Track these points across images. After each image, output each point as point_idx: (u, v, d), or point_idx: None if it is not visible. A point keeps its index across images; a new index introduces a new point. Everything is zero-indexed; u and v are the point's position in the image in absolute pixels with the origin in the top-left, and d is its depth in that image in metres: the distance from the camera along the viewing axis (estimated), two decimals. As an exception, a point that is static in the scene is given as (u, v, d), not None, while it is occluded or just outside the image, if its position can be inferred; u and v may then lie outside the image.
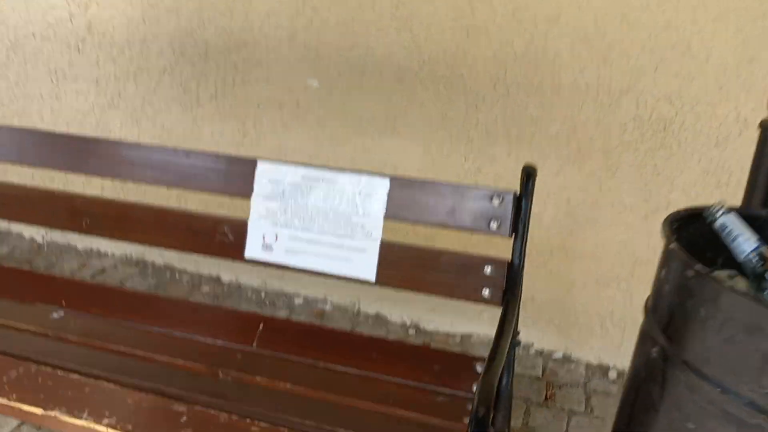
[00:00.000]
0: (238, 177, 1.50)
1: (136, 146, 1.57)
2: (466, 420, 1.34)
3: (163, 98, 2.34)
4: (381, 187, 1.42)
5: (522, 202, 1.37)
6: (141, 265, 2.71)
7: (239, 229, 1.50)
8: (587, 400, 2.07)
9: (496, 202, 1.38)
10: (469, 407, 1.38)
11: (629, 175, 1.92)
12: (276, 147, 2.25)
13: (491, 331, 1.29)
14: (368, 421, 1.34)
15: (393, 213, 1.41)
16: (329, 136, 2.18)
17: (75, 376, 1.35)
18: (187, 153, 1.53)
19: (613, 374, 2.17)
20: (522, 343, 2.25)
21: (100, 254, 2.81)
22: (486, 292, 1.39)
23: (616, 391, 2.11)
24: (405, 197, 1.41)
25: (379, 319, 2.44)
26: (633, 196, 1.93)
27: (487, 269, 1.39)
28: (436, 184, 1.41)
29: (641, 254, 1.99)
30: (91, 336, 1.54)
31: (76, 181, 2.53)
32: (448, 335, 2.35)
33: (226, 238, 1.52)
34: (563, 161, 1.94)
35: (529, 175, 1.39)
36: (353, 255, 1.44)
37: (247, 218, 1.49)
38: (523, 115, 1.95)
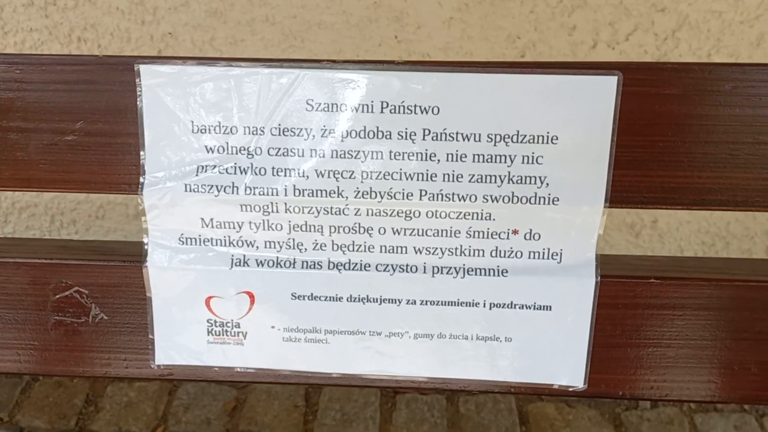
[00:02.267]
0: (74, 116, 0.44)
1: None
2: None
3: None
4: (589, 98, 0.41)
5: None
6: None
7: (123, 289, 0.47)
8: None
9: None
10: None
11: None
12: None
13: None
14: None
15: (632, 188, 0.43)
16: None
17: None
18: None
19: None
20: None
21: None
22: None
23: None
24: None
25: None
26: None
27: None
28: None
29: None
30: None
31: None
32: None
33: (82, 317, 0.48)
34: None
35: None
36: (512, 327, 0.46)
37: (142, 254, 0.46)
38: None
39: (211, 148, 0.44)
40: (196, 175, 0.44)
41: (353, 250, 0.45)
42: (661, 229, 1.17)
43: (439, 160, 0.43)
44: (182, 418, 1.08)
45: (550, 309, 0.45)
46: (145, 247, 0.46)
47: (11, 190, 0.85)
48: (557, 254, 0.44)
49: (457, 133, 0.43)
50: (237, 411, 1.09)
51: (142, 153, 0.44)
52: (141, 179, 0.45)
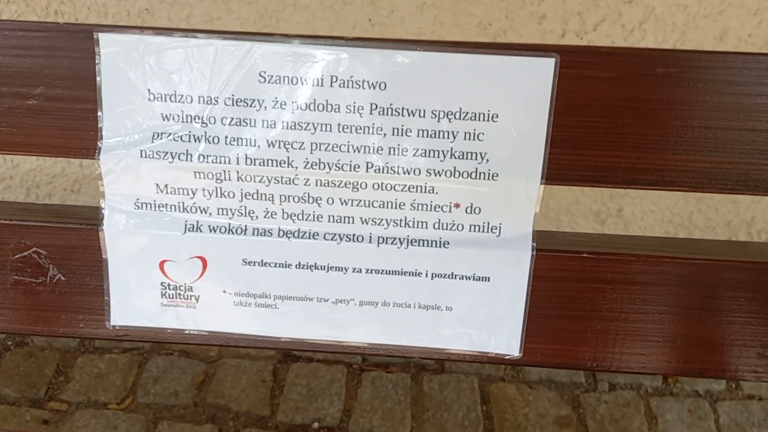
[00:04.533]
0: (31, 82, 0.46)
1: None
2: None
3: None
4: (528, 79, 0.43)
5: None
6: None
7: (80, 251, 0.49)
8: None
9: None
10: None
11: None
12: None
13: None
14: None
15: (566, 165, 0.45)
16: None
17: None
18: None
19: None
20: None
21: None
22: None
23: None
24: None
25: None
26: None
27: None
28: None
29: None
30: None
31: None
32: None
33: (40, 278, 0.50)
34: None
35: None
36: (452, 296, 0.48)
37: (99, 217, 0.48)
38: None
39: (166, 116, 0.45)
40: (152, 141, 0.46)
41: (302, 219, 0.47)
42: (626, 218, 1.20)
43: (385, 134, 0.45)
44: (151, 390, 1.10)
45: (489, 280, 0.48)
46: (102, 210, 0.48)
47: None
48: (496, 228, 0.47)
49: (402, 109, 0.45)
50: (205, 384, 1.11)
51: (100, 117, 0.45)
52: (98, 144, 0.46)
